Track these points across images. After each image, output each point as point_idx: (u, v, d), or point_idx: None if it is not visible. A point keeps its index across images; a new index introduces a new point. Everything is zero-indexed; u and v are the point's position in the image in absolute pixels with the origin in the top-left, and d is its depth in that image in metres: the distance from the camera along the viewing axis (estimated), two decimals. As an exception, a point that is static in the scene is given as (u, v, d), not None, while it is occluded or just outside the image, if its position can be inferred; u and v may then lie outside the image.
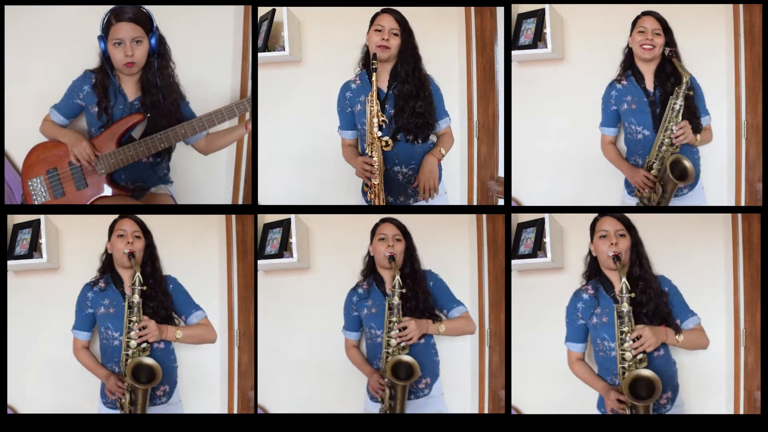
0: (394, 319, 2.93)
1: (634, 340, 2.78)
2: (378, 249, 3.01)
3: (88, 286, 3.03)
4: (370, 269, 3.06)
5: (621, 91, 3.07)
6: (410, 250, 3.03)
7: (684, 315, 2.90)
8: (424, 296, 3.00)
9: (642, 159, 3.05)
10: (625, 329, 2.79)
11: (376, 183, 2.98)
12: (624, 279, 2.77)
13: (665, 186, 2.99)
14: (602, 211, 2.97)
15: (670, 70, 3.00)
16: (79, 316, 3.03)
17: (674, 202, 3.02)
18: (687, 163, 2.96)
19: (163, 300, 3.00)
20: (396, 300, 2.93)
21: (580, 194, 3.25)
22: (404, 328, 2.92)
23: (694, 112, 3.00)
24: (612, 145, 3.14)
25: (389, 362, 2.91)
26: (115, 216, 3.00)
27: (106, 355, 2.99)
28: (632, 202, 3.10)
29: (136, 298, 2.92)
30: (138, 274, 2.91)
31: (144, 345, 2.93)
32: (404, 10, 2.99)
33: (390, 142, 2.97)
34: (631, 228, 2.89)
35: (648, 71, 3.04)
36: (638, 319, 2.81)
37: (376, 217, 3.05)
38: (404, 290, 2.94)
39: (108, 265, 3.02)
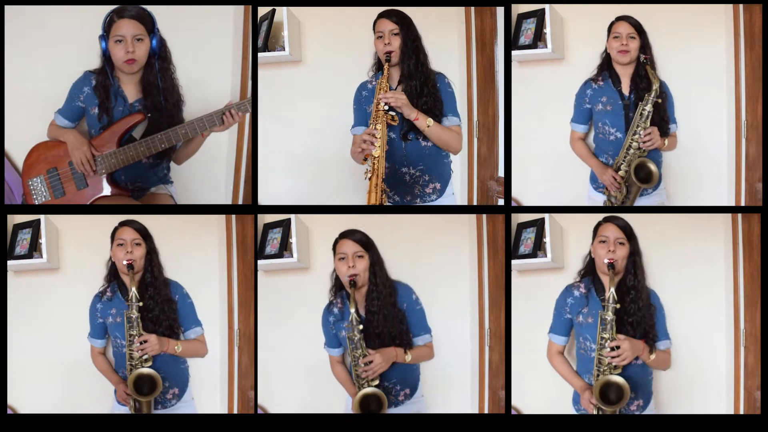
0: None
1: (612, 349, 2.83)
2: (339, 270, 2.94)
3: (96, 297, 3.04)
4: (339, 286, 2.99)
5: (597, 91, 3.10)
6: (375, 265, 2.94)
7: (661, 335, 2.95)
8: (398, 317, 2.95)
9: (612, 159, 3.09)
10: (606, 336, 2.84)
11: (376, 156, 2.84)
12: (613, 289, 2.82)
13: (629, 187, 3.05)
14: (603, 212, 3.00)
15: (644, 73, 3.03)
16: (92, 325, 3.06)
17: (638, 201, 3.07)
18: (652, 167, 3.02)
19: (165, 309, 3.00)
20: (356, 334, 2.87)
21: (580, 194, 3.25)
22: (370, 362, 2.87)
23: (663, 117, 3.04)
24: (581, 141, 3.18)
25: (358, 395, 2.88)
26: (116, 223, 2.99)
27: (118, 361, 3.03)
28: (599, 197, 3.14)
29: (134, 313, 2.92)
30: (134, 289, 2.92)
31: (146, 356, 2.94)
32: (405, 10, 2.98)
33: (396, 117, 2.89)
34: (631, 237, 2.91)
35: (625, 75, 3.08)
36: (622, 326, 2.86)
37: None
38: (362, 326, 2.87)
39: (113, 274, 3.03)
